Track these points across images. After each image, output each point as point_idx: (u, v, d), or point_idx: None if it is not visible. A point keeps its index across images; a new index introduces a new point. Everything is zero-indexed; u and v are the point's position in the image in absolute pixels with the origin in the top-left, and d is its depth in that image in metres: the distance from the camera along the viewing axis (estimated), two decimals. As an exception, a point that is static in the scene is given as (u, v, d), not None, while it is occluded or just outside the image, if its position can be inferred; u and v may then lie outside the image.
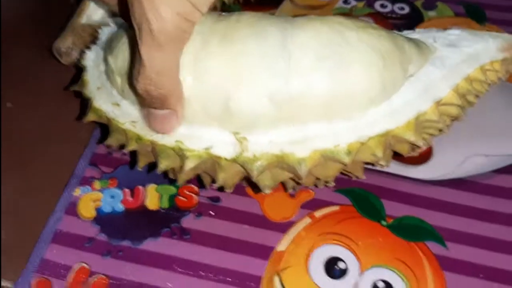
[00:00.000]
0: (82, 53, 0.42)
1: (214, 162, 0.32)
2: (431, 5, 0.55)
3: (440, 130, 0.35)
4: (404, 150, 0.35)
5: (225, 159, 0.32)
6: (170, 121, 0.33)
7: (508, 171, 0.44)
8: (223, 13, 0.35)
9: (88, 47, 0.41)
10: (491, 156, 0.43)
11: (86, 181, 0.44)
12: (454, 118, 0.36)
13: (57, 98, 0.48)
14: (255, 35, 0.31)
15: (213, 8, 0.53)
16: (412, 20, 0.54)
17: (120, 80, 0.35)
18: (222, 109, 0.32)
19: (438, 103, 0.33)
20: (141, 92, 0.31)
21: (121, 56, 0.34)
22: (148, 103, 0.32)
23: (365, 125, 0.32)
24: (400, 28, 0.53)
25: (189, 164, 0.32)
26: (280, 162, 0.32)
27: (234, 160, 0.32)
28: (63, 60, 0.47)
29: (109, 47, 0.37)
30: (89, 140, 0.46)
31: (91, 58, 0.40)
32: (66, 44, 0.47)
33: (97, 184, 0.44)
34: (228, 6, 0.54)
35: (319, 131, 0.32)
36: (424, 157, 0.44)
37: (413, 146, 0.34)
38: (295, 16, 0.53)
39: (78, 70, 0.41)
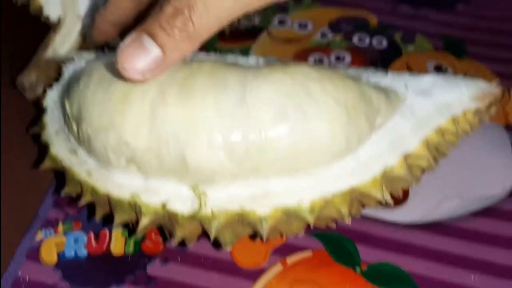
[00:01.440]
0: (44, 91, 0.41)
1: (171, 218, 0.31)
2: (410, 39, 0.54)
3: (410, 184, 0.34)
4: (371, 204, 0.33)
5: (182, 215, 0.30)
6: (152, 65, 0.25)
7: (485, 214, 0.42)
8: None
9: (50, 85, 0.40)
10: (467, 198, 0.42)
11: (50, 224, 0.42)
12: (425, 169, 0.35)
13: (22, 131, 0.47)
14: (214, 87, 0.30)
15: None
16: (390, 54, 0.53)
17: (76, 126, 0.33)
18: (178, 162, 0.30)
19: (407, 157, 0.31)
20: (166, 15, 0.24)
21: (76, 103, 0.33)
22: (152, 27, 0.24)
23: (329, 180, 0.30)
24: (377, 62, 0.52)
25: (145, 221, 0.30)
26: (241, 219, 0.30)
27: (192, 217, 0.30)
28: (27, 95, 0.46)
29: (67, 90, 0.35)
30: (55, 179, 0.44)
31: (52, 98, 0.38)
32: (30, 79, 0.45)
33: (60, 227, 0.42)
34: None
35: (280, 187, 0.30)
36: (400, 199, 0.43)
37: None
38: (273, 48, 0.53)
39: (39, 110, 0.39)
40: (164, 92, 0.30)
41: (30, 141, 0.45)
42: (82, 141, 0.33)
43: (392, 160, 0.31)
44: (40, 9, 0.47)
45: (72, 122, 0.33)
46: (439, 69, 0.51)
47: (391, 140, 0.32)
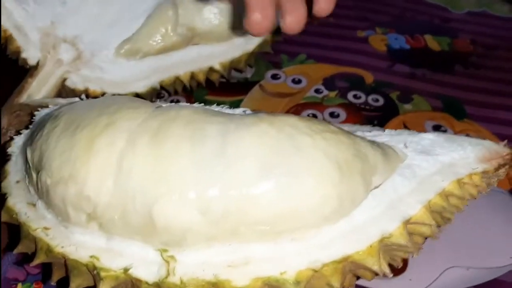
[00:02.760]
0: (11, 137, 0.37)
1: (133, 285, 0.27)
2: (407, 98, 0.52)
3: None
4: (367, 276, 0.30)
5: (147, 283, 0.27)
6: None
7: (491, 287, 0.38)
8: (164, 105, 0.31)
9: (20, 131, 0.37)
10: (473, 269, 0.39)
11: (7, 284, 0.38)
12: (427, 237, 0.31)
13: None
14: (190, 136, 0.27)
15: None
16: (387, 113, 0.51)
17: (35, 176, 0.30)
18: (144, 219, 0.27)
19: (407, 222, 0.28)
20: None
21: (38, 149, 0.29)
22: None
23: (319, 247, 0.27)
24: (373, 121, 0.50)
25: (103, 287, 0.26)
26: (214, 290, 0.26)
27: (157, 285, 0.26)
28: (-4, 140, 0.43)
29: (31, 136, 0.32)
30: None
31: (18, 145, 0.35)
32: (0, 124, 0.42)
33: (19, 288, 0.38)
34: (191, 91, 0.50)
35: (262, 253, 0.27)
36: (398, 269, 0.39)
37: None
38: (264, 102, 0.51)
39: (3, 157, 0.36)
40: (134, 141, 0.27)
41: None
42: (41, 193, 0.29)
43: (390, 226, 0.28)
44: (18, 52, 0.45)
45: (32, 171, 0.30)
46: (437, 130, 0.49)
47: (390, 202, 0.29)
